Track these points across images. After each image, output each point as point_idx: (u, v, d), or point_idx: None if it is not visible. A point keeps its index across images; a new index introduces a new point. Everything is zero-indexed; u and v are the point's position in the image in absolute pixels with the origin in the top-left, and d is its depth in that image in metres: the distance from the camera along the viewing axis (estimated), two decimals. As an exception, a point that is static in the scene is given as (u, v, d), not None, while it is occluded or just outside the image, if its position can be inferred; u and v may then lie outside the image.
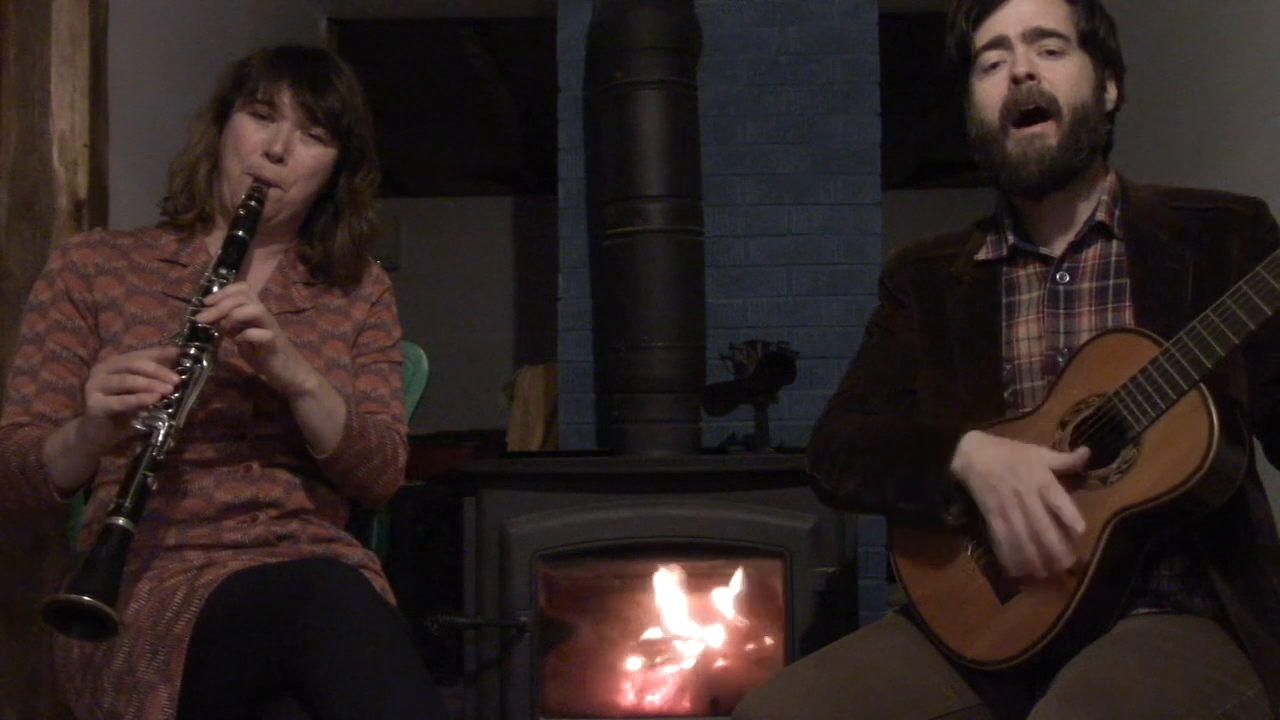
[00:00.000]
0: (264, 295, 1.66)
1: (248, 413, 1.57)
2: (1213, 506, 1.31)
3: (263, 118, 1.62)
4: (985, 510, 1.37)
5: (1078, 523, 1.30)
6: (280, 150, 1.61)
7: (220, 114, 1.67)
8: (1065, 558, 1.30)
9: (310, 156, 1.64)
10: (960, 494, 1.41)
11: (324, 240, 1.71)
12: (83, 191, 2.18)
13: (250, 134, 1.62)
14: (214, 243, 1.66)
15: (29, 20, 2.17)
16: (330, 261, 1.70)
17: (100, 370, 1.41)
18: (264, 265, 1.70)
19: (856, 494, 1.52)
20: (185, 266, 1.65)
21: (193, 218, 1.66)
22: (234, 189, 1.62)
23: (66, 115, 2.17)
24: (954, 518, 1.42)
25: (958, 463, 1.40)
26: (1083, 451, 1.35)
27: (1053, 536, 1.30)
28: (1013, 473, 1.35)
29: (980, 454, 1.39)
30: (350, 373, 1.69)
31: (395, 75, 4.76)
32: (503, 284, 6.35)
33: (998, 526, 1.35)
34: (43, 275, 1.64)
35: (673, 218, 2.57)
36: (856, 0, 2.98)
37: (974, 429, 1.42)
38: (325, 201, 1.71)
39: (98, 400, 1.38)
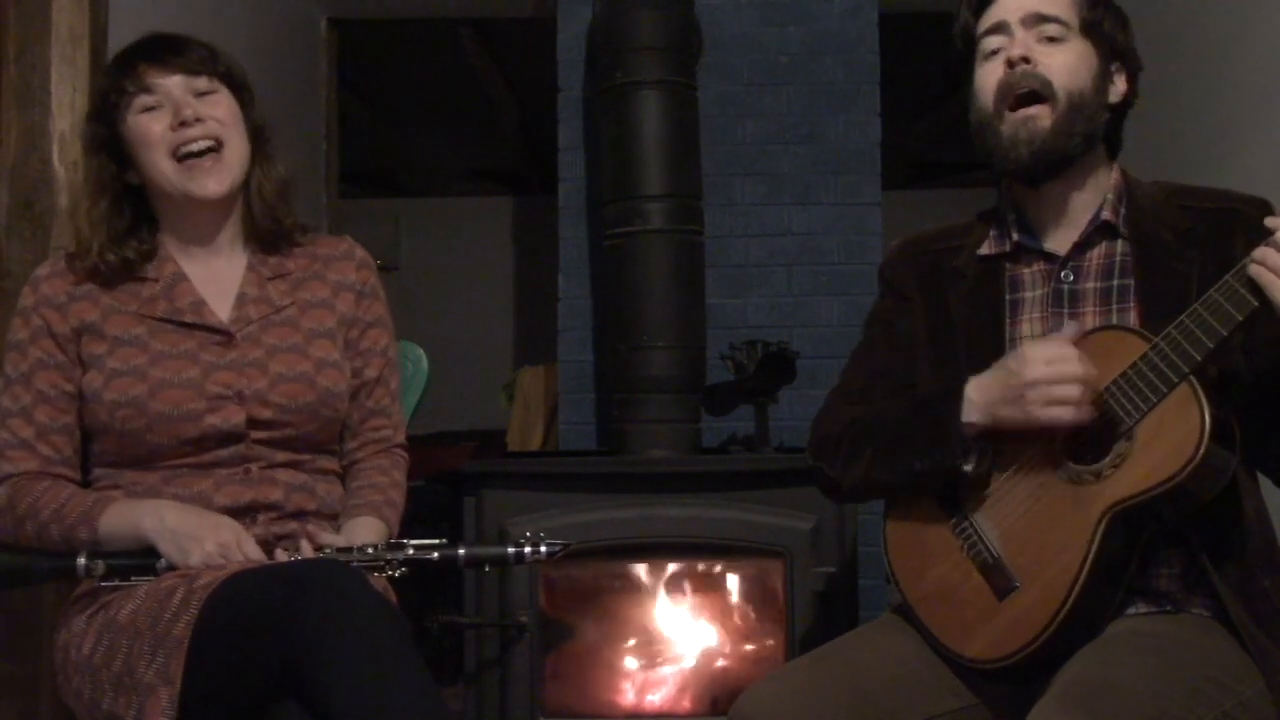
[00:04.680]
0: (241, 299, 1.64)
1: (241, 424, 1.57)
2: (1202, 500, 1.31)
3: (152, 107, 1.58)
4: (1041, 418, 1.35)
5: (1090, 369, 1.33)
6: (191, 114, 1.56)
7: (101, 146, 1.61)
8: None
9: (218, 105, 1.60)
10: (977, 444, 1.41)
11: (260, 197, 1.66)
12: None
13: (153, 124, 1.57)
14: (172, 244, 1.64)
15: (29, 20, 2.16)
16: (271, 218, 1.66)
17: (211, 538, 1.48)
18: (233, 265, 1.67)
19: (866, 474, 1.51)
20: (156, 281, 1.62)
21: (137, 252, 1.61)
22: (166, 171, 1.57)
23: (66, 115, 2.16)
24: (973, 467, 1.42)
25: (972, 413, 1.40)
26: (1071, 326, 1.39)
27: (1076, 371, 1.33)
28: (1016, 375, 1.36)
29: (986, 391, 1.40)
30: (342, 369, 1.67)
31: (395, 75, 4.76)
32: (503, 284, 6.33)
33: (1056, 414, 1.33)
34: (18, 311, 1.62)
35: (673, 218, 2.57)
36: (856, 0, 2.98)
37: (972, 378, 1.43)
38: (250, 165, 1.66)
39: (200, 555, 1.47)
